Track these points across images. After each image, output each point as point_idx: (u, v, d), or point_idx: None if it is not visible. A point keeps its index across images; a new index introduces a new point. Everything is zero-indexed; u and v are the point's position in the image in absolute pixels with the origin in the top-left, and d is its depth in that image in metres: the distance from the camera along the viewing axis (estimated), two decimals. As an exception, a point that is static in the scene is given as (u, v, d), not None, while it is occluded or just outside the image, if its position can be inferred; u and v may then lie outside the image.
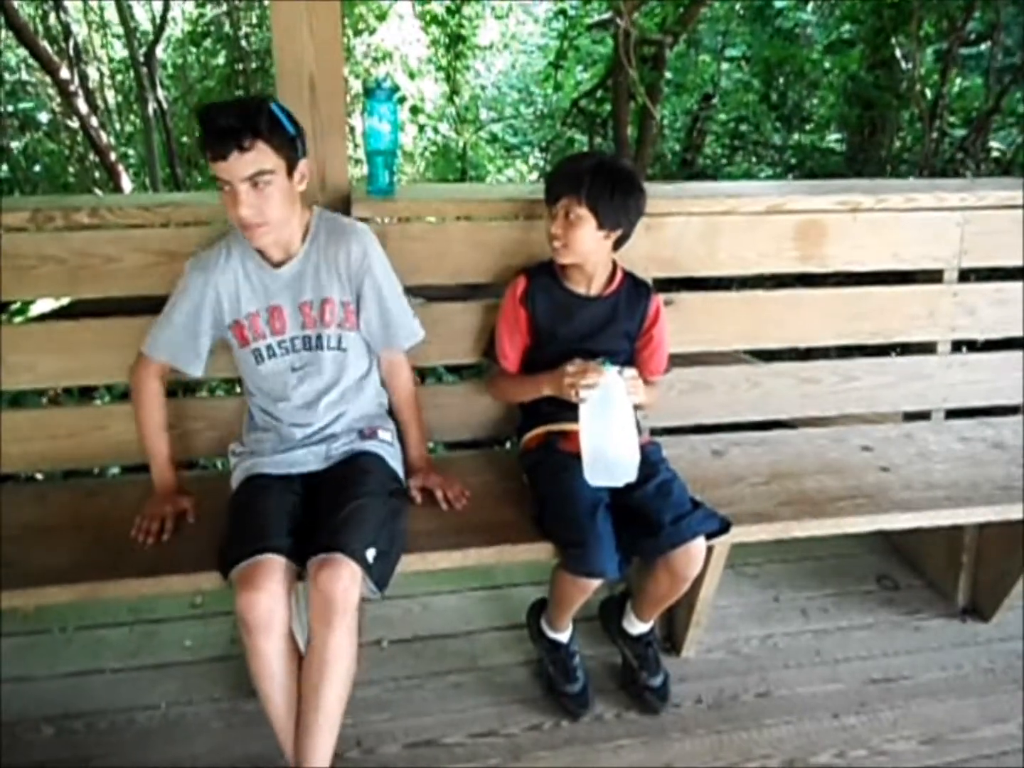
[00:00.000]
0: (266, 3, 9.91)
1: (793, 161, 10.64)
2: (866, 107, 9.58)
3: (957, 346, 3.32)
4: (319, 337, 2.50)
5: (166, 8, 9.96)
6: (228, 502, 2.45)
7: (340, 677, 2.22)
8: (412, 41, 11.91)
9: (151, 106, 9.77)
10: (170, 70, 12.03)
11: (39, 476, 3.87)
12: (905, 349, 3.44)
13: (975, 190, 3.20)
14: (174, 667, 2.93)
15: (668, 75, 9.63)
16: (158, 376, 2.57)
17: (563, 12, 10.80)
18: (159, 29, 10.15)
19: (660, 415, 3.08)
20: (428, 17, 11.41)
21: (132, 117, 11.88)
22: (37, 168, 10.86)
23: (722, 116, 11.79)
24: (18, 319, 4.59)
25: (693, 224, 2.99)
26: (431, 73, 12.55)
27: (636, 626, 2.83)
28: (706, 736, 2.74)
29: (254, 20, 11.14)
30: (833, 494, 2.82)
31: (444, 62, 12.04)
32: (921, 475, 2.95)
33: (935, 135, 8.29)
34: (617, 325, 2.72)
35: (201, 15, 11.45)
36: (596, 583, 2.46)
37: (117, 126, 11.87)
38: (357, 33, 11.21)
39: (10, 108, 10.60)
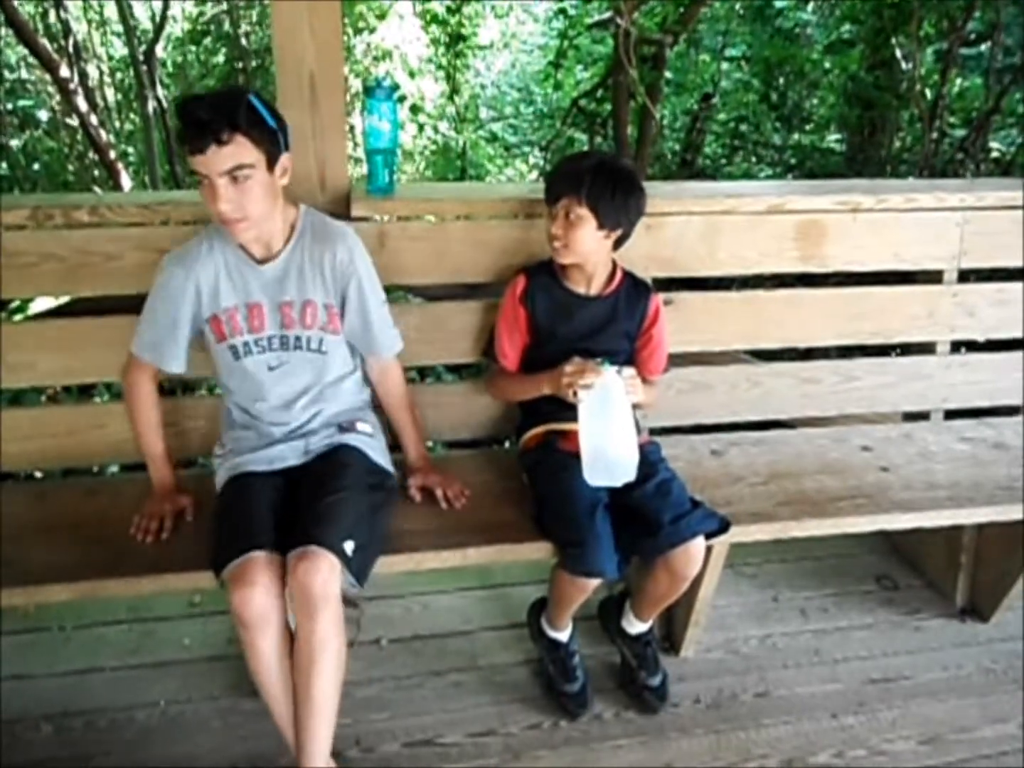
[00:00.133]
0: (266, 2, 9.90)
1: (793, 161, 10.65)
2: (866, 107, 9.58)
3: (957, 346, 3.33)
4: (298, 338, 2.48)
5: (166, 6, 9.96)
6: (214, 504, 2.45)
7: (330, 667, 2.21)
8: (412, 40, 11.89)
9: (151, 104, 9.77)
10: (170, 68, 12.04)
11: (38, 474, 3.87)
12: (905, 349, 3.44)
13: (975, 190, 3.20)
14: (173, 665, 2.93)
15: (668, 75, 9.63)
16: (149, 376, 2.55)
17: (563, 11, 10.80)
18: (159, 27, 10.15)
19: (659, 415, 3.08)
20: (428, 16, 11.40)
21: (132, 115, 11.88)
22: (37, 166, 10.85)
23: (722, 116, 11.79)
24: (18, 317, 4.59)
25: (693, 224, 2.99)
26: (431, 72, 12.54)
27: (635, 626, 2.83)
28: (705, 736, 2.74)
29: (254, 18, 11.15)
30: (833, 494, 2.82)
31: (444, 61, 12.04)
32: (921, 475, 2.95)
33: (935, 135, 8.29)
34: (617, 325, 2.72)
35: (201, 13, 11.45)
36: (595, 583, 2.46)
37: (117, 124, 11.87)
38: (357, 32, 11.20)
39: (10, 106, 10.59)
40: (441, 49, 11.96)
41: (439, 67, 12.28)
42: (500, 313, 2.76)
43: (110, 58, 11.86)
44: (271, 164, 2.24)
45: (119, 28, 10.98)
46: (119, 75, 11.95)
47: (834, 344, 3.32)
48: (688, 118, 11.63)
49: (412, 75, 11.98)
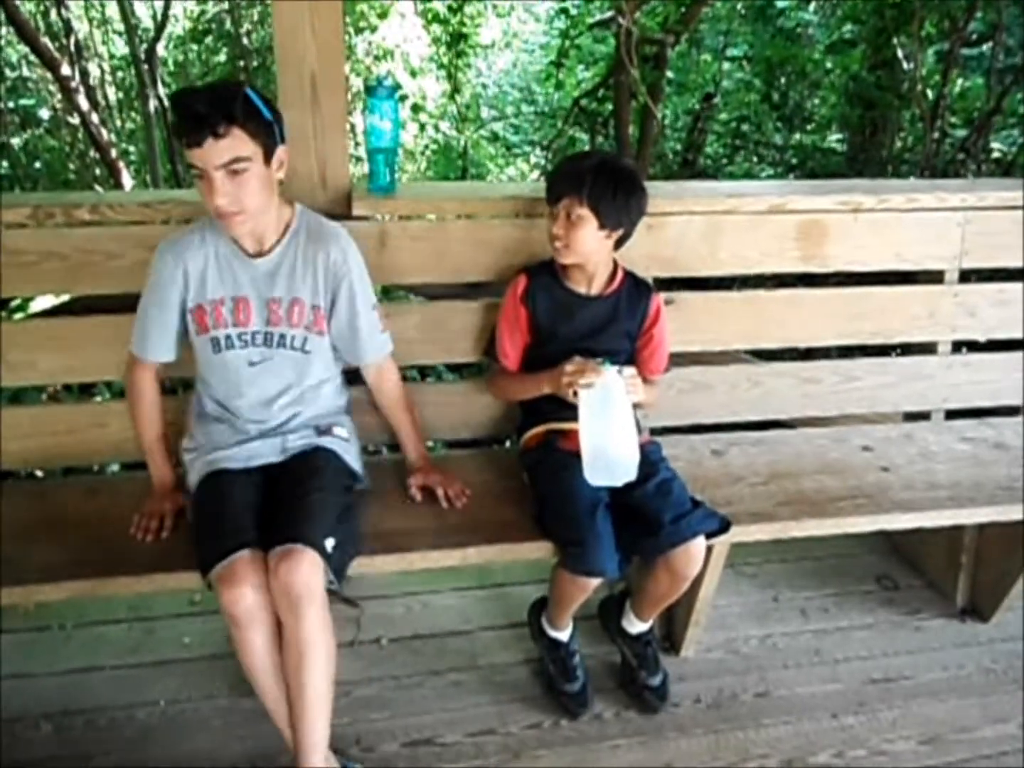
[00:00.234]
0: (268, 1, 9.90)
1: (794, 161, 10.65)
2: (867, 107, 9.58)
3: (958, 347, 3.32)
4: (282, 336, 2.47)
5: (167, 5, 9.95)
6: (190, 502, 2.44)
7: (320, 663, 2.21)
8: (413, 39, 11.90)
9: (152, 103, 9.77)
10: (171, 67, 12.04)
11: (39, 473, 3.86)
12: (906, 349, 3.44)
13: (976, 191, 3.20)
14: (173, 664, 2.93)
15: (670, 74, 9.63)
16: (149, 374, 2.54)
17: (565, 11, 10.80)
18: (160, 26, 10.15)
19: (660, 414, 3.08)
20: (430, 15, 11.41)
21: (133, 114, 11.89)
22: (38, 164, 10.86)
23: (723, 116, 11.79)
24: (18, 316, 4.59)
25: (694, 224, 2.99)
26: (432, 71, 12.54)
27: (635, 625, 2.83)
28: (704, 736, 2.74)
29: (255, 17, 11.14)
30: (833, 494, 2.82)
31: (445, 60, 12.04)
32: (921, 475, 2.95)
33: (936, 135, 8.29)
34: (617, 324, 2.71)
35: (202, 12, 11.45)
36: (596, 582, 2.46)
37: (118, 123, 11.87)
38: (358, 31, 11.20)
39: (11, 104, 10.60)
40: (442, 48, 11.96)
41: (440, 66, 12.29)
42: (501, 313, 2.76)
43: (111, 56, 11.87)
44: (268, 157, 2.23)
45: (120, 27, 10.99)
46: (120, 74, 11.96)
47: (835, 344, 3.32)
48: (689, 118, 11.64)
49: (413, 74, 11.99)
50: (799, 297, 3.20)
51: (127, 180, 9.23)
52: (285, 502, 2.32)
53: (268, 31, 10.46)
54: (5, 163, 10.36)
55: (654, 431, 3.09)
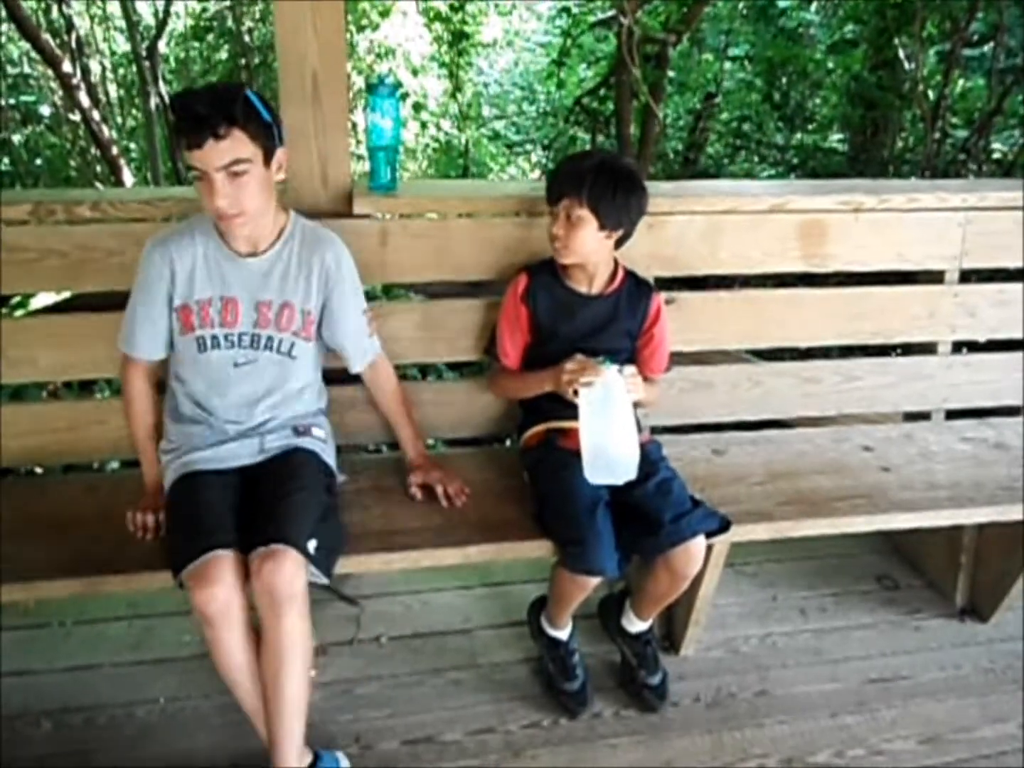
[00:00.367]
0: (269, -2, 9.92)
1: (795, 161, 10.66)
2: (869, 107, 9.59)
3: (958, 347, 3.32)
4: (269, 339, 2.45)
5: (169, 2, 9.98)
6: (165, 503, 2.42)
7: (298, 665, 2.22)
8: (415, 38, 11.92)
9: (153, 100, 9.79)
10: (172, 64, 12.07)
11: (39, 470, 3.86)
12: (906, 349, 3.44)
13: (977, 191, 3.20)
14: (173, 662, 2.92)
15: (671, 74, 9.65)
16: (142, 373, 2.53)
17: (566, 10, 10.83)
18: (162, 23, 10.18)
19: (661, 414, 3.08)
20: (431, 14, 11.43)
21: (134, 111, 11.91)
22: (39, 161, 10.87)
23: (725, 115, 11.81)
24: (19, 313, 4.59)
25: (695, 223, 2.99)
26: (434, 70, 12.57)
27: (635, 624, 2.82)
28: (704, 735, 2.74)
29: (257, 15, 11.16)
30: (833, 494, 2.82)
31: (447, 59, 12.07)
32: (921, 475, 2.95)
33: (937, 136, 8.30)
34: (618, 324, 2.71)
35: (204, 10, 11.47)
36: (595, 581, 2.46)
37: (119, 120, 11.90)
38: (360, 29, 11.22)
39: (12, 101, 10.61)
40: (444, 47, 11.99)
41: (442, 65, 12.31)
42: (501, 312, 2.76)
43: (113, 54, 11.89)
44: (267, 159, 2.23)
45: (122, 24, 11.02)
46: (121, 71, 11.99)
47: (835, 344, 3.32)
48: (691, 117, 11.67)
49: (415, 73, 12.01)
50: (800, 297, 3.20)
51: (128, 177, 9.25)
52: (266, 503, 2.30)
53: (269, 29, 10.47)
54: (6, 160, 10.37)
55: (654, 430, 3.09)
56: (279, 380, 2.50)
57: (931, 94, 8.63)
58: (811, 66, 10.59)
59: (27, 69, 11.00)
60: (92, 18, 11.39)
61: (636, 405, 2.56)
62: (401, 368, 2.72)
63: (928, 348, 3.30)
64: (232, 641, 2.20)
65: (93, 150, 10.30)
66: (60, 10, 9.96)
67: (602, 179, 2.46)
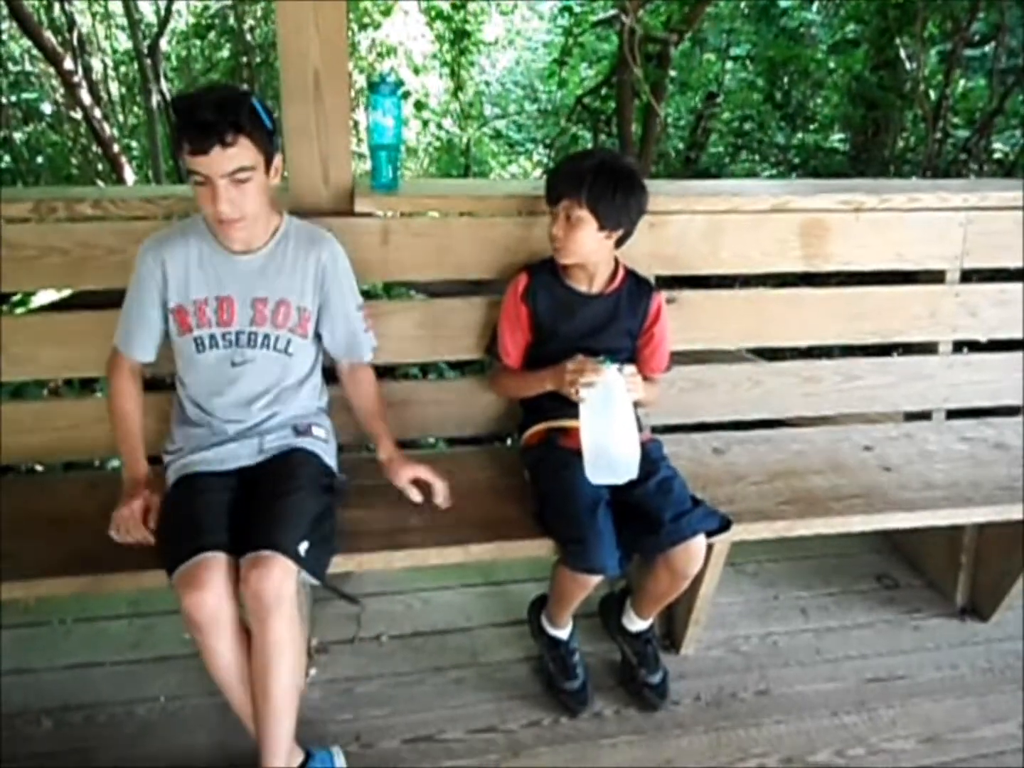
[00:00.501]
0: (271, -3, 9.92)
1: (797, 160, 10.66)
2: (870, 107, 9.60)
3: (959, 346, 3.33)
4: (266, 336, 2.45)
5: (170, 0, 9.96)
6: (162, 503, 2.39)
7: (287, 670, 2.22)
8: (417, 36, 11.92)
9: (155, 98, 9.78)
10: (174, 62, 12.05)
11: (40, 468, 3.87)
12: (907, 349, 3.44)
13: (978, 191, 3.20)
14: (173, 660, 2.92)
15: (672, 73, 9.66)
16: (127, 369, 2.51)
17: (568, 9, 10.80)
18: (163, 21, 10.16)
19: (661, 413, 3.08)
20: (433, 12, 11.41)
21: (136, 109, 11.90)
22: (40, 159, 10.86)
23: (726, 115, 11.81)
24: (20, 310, 4.60)
25: (696, 222, 2.99)
26: (435, 69, 12.56)
27: (636, 623, 2.83)
28: (705, 733, 2.74)
29: (259, 13, 11.15)
30: (834, 493, 2.82)
31: (449, 58, 12.05)
32: (922, 475, 2.95)
33: (938, 136, 8.30)
34: (618, 323, 2.72)
35: (206, 7, 11.45)
36: (596, 579, 2.46)
37: (120, 118, 11.89)
38: (362, 27, 11.21)
39: (13, 99, 10.60)
40: (446, 46, 11.97)
41: (443, 63, 12.30)
42: (502, 311, 2.76)
43: (114, 51, 11.88)
44: (267, 165, 2.25)
45: (123, 21, 11.00)
46: (123, 69, 11.98)
47: (836, 343, 3.32)
48: (692, 117, 11.67)
49: (416, 71, 12.01)
50: (800, 296, 3.20)
51: (129, 175, 9.24)
52: (261, 506, 2.29)
53: (271, 27, 10.46)
54: (7, 157, 10.37)
55: (655, 429, 3.09)
56: (277, 378, 2.50)
57: (932, 94, 8.64)
58: (812, 66, 10.59)
59: (28, 67, 10.99)
60: (94, 16, 11.37)
61: (636, 404, 2.56)
62: (402, 367, 2.72)
63: (929, 348, 3.31)
64: (221, 646, 2.19)
65: (94, 148, 10.29)
66: (62, 8, 9.95)
67: (601, 180, 2.46)
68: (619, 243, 2.61)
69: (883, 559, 3.58)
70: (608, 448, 2.41)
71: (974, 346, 3.43)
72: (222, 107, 2.11)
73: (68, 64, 8.58)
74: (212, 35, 11.74)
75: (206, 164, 2.12)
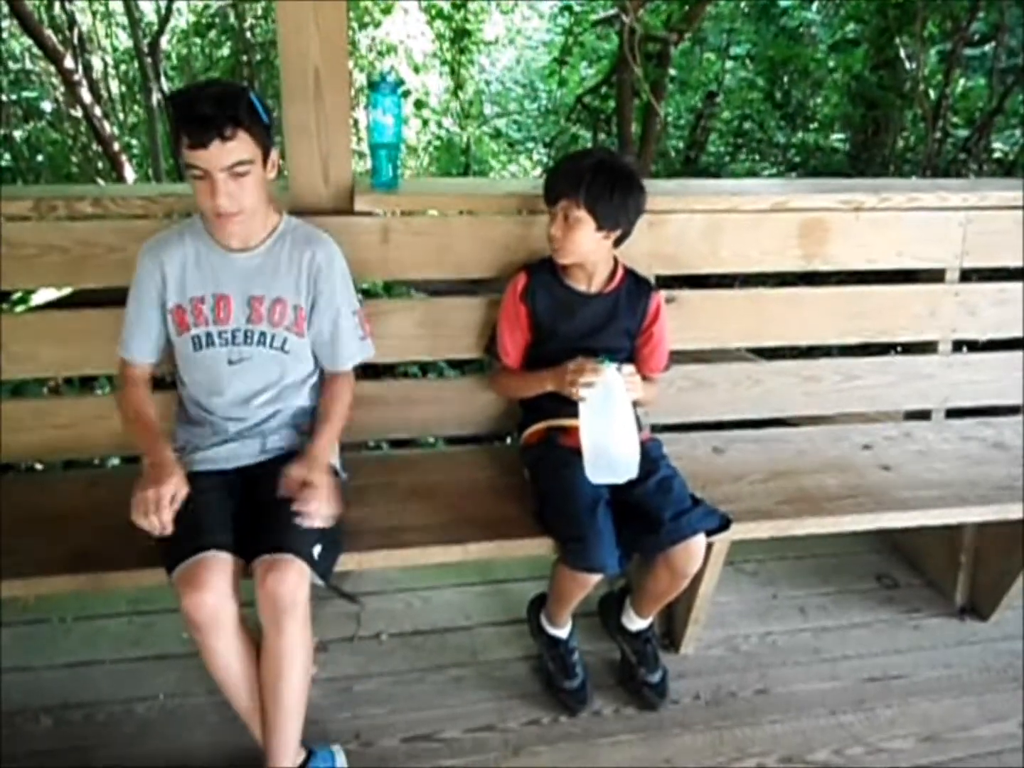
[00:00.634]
0: (271, -4, 9.92)
1: (796, 160, 10.68)
2: (870, 106, 9.61)
3: (958, 346, 3.32)
4: (262, 334, 2.44)
5: (171, -2, 9.98)
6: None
7: (297, 673, 2.23)
8: (417, 35, 11.92)
9: (155, 97, 9.77)
10: (174, 61, 12.06)
11: (39, 466, 3.87)
12: (906, 348, 3.44)
13: (977, 190, 3.21)
14: (173, 659, 2.92)
15: (672, 72, 9.67)
16: (139, 379, 2.50)
17: (568, 8, 10.82)
18: (164, 19, 10.17)
19: (661, 412, 3.08)
20: (433, 11, 11.42)
21: (136, 107, 11.90)
22: (40, 157, 10.86)
23: (726, 114, 11.82)
24: (20, 308, 4.60)
25: (696, 221, 2.99)
26: (436, 67, 12.56)
27: (635, 622, 2.83)
28: (704, 732, 2.75)
29: (259, 12, 11.15)
30: (833, 492, 2.82)
31: (449, 56, 12.06)
32: (921, 474, 2.95)
33: (938, 135, 8.31)
34: (617, 322, 2.71)
35: (206, 6, 11.45)
36: (596, 578, 2.46)
37: (121, 116, 11.89)
38: (362, 26, 11.22)
39: (14, 97, 10.60)
40: (446, 44, 11.99)
41: (444, 62, 12.31)
42: (501, 311, 2.76)
43: (114, 50, 11.88)
44: (265, 159, 2.25)
45: (124, 20, 11.00)
46: (123, 67, 11.98)
47: (836, 343, 3.32)
48: (692, 116, 11.68)
49: (417, 70, 12.01)
50: (800, 295, 3.20)
51: (129, 173, 9.25)
52: (270, 508, 2.28)
53: (271, 26, 10.47)
54: (7, 156, 10.37)
55: (655, 428, 3.09)
56: (274, 376, 2.49)
57: (932, 93, 8.64)
58: (812, 65, 10.61)
59: (29, 65, 10.99)
60: (94, 14, 11.37)
61: (635, 404, 2.56)
62: (402, 366, 2.71)
63: (928, 347, 3.30)
64: (221, 645, 2.19)
65: (95, 146, 10.30)
66: (62, 6, 9.96)
67: (599, 180, 2.46)
68: (617, 243, 2.61)
69: (882, 558, 3.58)
70: (608, 448, 2.41)
71: (973, 345, 3.44)
72: (221, 101, 2.12)
73: (68, 62, 8.58)
74: (212, 34, 11.75)
75: (205, 158, 2.12)
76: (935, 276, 3.24)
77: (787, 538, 2.75)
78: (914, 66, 8.51)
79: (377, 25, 11.44)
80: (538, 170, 12.88)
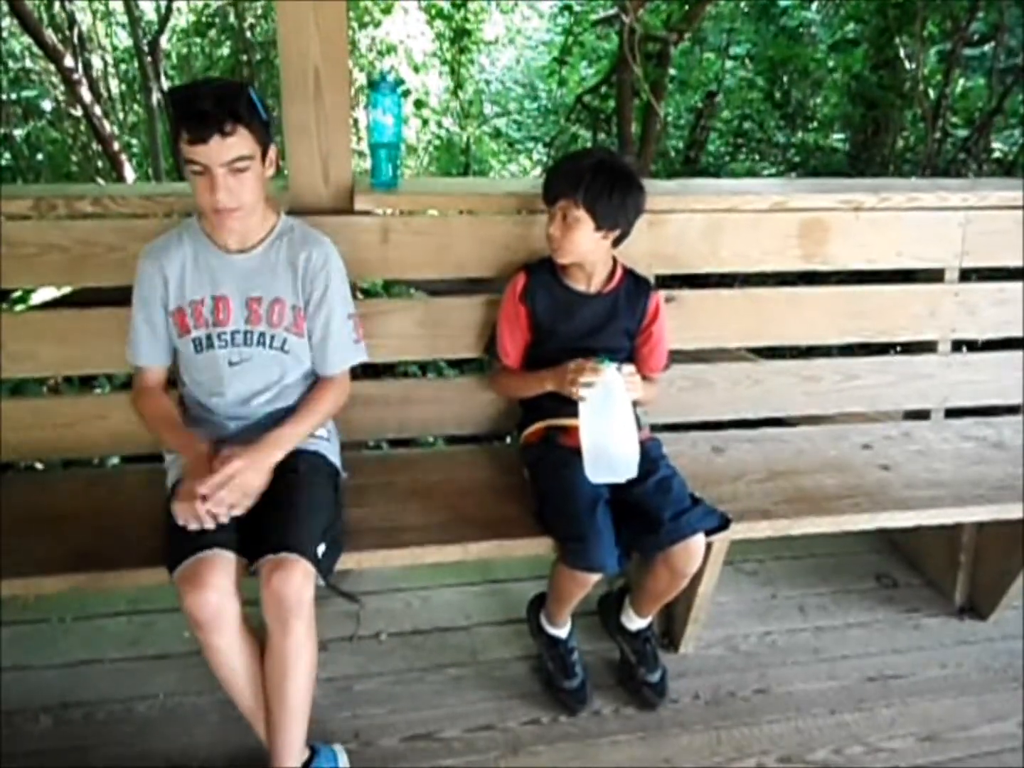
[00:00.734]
0: (271, -5, 9.91)
1: (796, 159, 10.67)
2: (869, 106, 9.61)
3: (958, 346, 3.33)
4: (261, 335, 2.44)
5: (171, -3, 9.98)
6: (165, 501, 2.34)
7: (303, 673, 2.22)
8: (417, 35, 11.91)
9: (155, 96, 9.76)
10: (174, 60, 12.03)
11: (39, 465, 3.87)
12: (906, 348, 3.45)
13: (977, 190, 3.21)
14: (172, 658, 2.92)
15: (672, 72, 9.66)
16: (153, 388, 2.51)
17: (568, 8, 10.81)
18: (164, 19, 10.16)
19: (661, 411, 3.08)
20: (433, 11, 11.41)
21: (136, 107, 11.88)
22: (40, 156, 10.85)
23: (726, 114, 11.82)
24: (19, 307, 4.60)
25: (696, 221, 2.99)
26: (435, 67, 12.56)
27: (634, 622, 2.83)
28: (704, 732, 2.75)
29: (259, 11, 11.14)
30: (833, 492, 2.82)
31: (449, 56, 12.06)
32: (921, 474, 2.95)
33: (938, 135, 8.31)
34: (617, 322, 2.72)
35: (206, 5, 11.44)
36: (595, 577, 2.47)
37: (120, 115, 11.87)
38: (362, 26, 11.21)
39: (14, 96, 10.59)
40: (446, 44, 11.98)
41: (443, 62, 12.31)
42: (501, 311, 2.76)
43: (114, 49, 11.86)
44: (264, 155, 2.26)
45: (124, 19, 10.99)
46: (123, 66, 11.96)
47: (835, 342, 3.32)
48: (692, 116, 11.67)
49: (416, 70, 12.01)
50: (800, 295, 3.20)
51: (129, 173, 9.24)
52: (274, 507, 2.28)
53: (271, 25, 10.47)
54: (7, 155, 10.36)
55: (655, 428, 3.09)
56: (275, 376, 2.49)
57: (932, 93, 8.64)
58: (812, 65, 10.61)
59: (29, 64, 10.97)
60: (94, 13, 11.35)
61: (635, 403, 2.56)
62: (402, 365, 2.71)
63: (928, 347, 3.31)
64: (224, 646, 2.19)
65: (94, 145, 10.29)
66: (62, 5, 9.95)
67: (598, 180, 2.46)
68: (616, 243, 2.61)
69: (882, 558, 3.58)
70: (608, 447, 2.41)
71: (973, 345, 3.44)
72: (221, 97, 2.13)
73: (68, 61, 8.58)
74: (212, 33, 11.74)
75: (205, 153, 2.13)
76: (935, 276, 3.24)
77: (786, 538, 2.75)
78: (914, 66, 8.51)
79: (377, 25, 11.44)
80: (538, 170, 12.87)
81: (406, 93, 10.56)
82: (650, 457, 2.59)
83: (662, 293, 2.81)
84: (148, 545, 2.35)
